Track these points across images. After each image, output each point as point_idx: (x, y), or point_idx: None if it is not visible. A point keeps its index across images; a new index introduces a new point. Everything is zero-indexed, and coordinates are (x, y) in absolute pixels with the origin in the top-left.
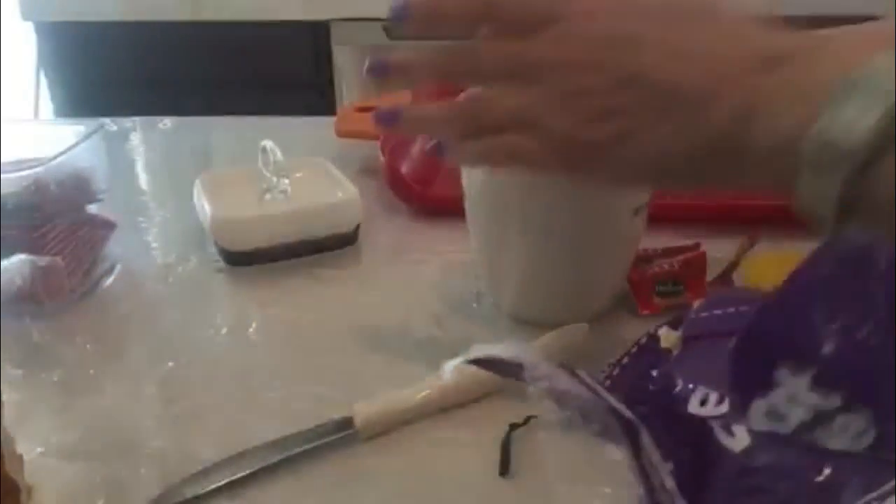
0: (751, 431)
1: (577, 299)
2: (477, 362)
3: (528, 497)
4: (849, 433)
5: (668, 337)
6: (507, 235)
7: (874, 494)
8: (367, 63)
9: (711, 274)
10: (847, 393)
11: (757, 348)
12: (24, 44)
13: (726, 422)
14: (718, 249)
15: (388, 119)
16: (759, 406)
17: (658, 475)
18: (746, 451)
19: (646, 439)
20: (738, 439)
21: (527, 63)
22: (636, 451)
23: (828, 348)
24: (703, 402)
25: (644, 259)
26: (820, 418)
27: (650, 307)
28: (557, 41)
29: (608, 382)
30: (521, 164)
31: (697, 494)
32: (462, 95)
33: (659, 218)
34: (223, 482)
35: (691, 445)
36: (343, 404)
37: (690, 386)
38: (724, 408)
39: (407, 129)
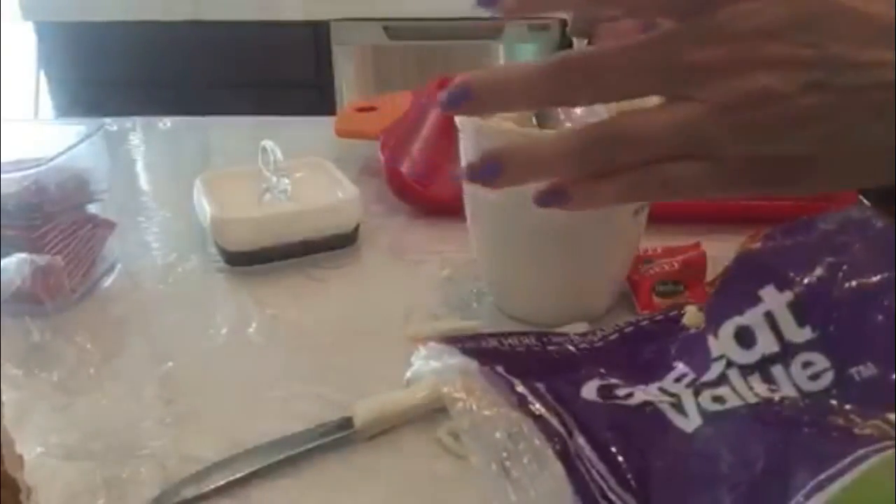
0: (703, 412)
1: (577, 299)
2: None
3: (529, 497)
4: (808, 372)
5: (693, 315)
6: (507, 235)
7: (822, 476)
8: (443, 96)
9: (711, 274)
10: (817, 329)
11: (751, 269)
12: (24, 44)
13: (678, 401)
14: (718, 249)
15: (489, 171)
16: (730, 325)
17: (596, 481)
18: (697, 431)
19: (580, 443)
20: (691, 420)
21: (675, 68)
22: (567, 462)
23: (814, 276)
24: (678, 379)
25: (644, 259)
26: (785, 353)
27: (650, 307)
28: (714, 34)
29: (599, 344)
30: (686, 193)
31: (644, 483)
32: (581, 116)
33: (659, 218)
34: (223, 482)
35: (639, 437)
36: (343, 404)
37: (675, 363)
38: (685, 383)
39: (514, 176)
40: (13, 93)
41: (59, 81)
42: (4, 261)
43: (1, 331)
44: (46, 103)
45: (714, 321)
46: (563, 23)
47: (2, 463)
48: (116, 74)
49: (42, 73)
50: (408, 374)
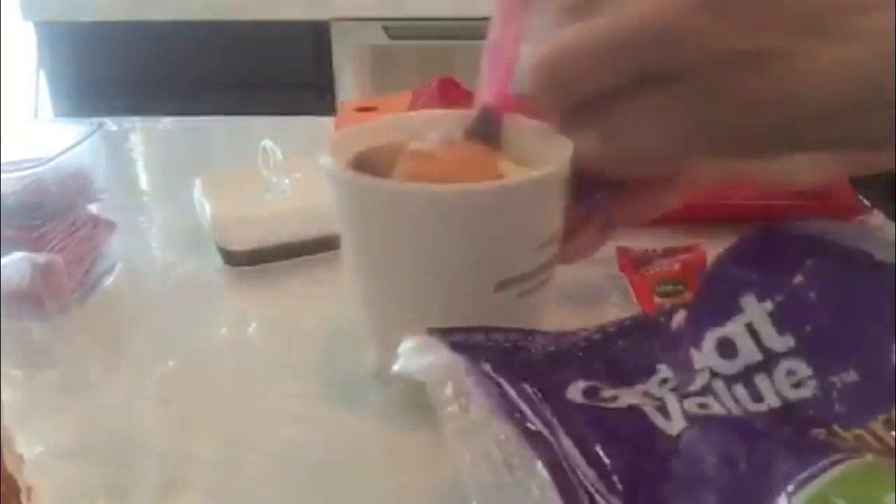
0: (686, 415)
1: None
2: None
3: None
4: (791, 380)
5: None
6: (393, 275)
7: (803, 475)
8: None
9: None
10: (798, 336)
11: (729, 276)
12: (24, 44)
13: (662, 404)
14: (718, 249)
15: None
16: (712, 336)
17: (586, 487)
18: (682, 434)
19: (567, 448)
20: (674, 423)
21: None
22: (556, 471)
23: (793, 283)
24: (662, 382)
25: (644, 259)
26: (767, 362)
27: (651, 307)
28: None
29: (583, 344)
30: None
31: (632, 487)
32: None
33: (659, 218)
34: None
35: (625, 440)
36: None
37: (658, 366)
38: (669, 386)
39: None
40: (13, 93)
41: (59, 81)
42: (4, 259)
43: (1, 331)
44: (46, 103)
45: (696, 332)
46: None
47: (2, 463)
48: (116, 74)
49: (42, 73)
50: (395, 368)
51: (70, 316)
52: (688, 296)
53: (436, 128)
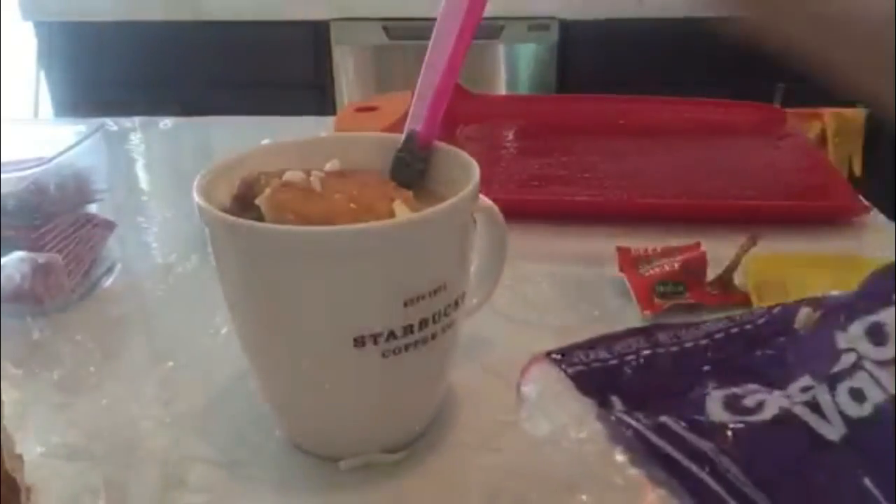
0: (845, 417)
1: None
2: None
3: None
4: None
5: (807, 317)
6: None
7: None
8: None
9: (711, 274)
10: None
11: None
12: (24, 44)
13: (814, 401)
14: (718, 249)
15: None
16: (860, 324)
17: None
18: (846, 441)
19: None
20: (834, 425)
21: None
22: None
23: None
24: (804, 390)
25: (644, 259)
26: None
27: (652, 307)
28: None
29: (704, 342)
30: None
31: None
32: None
33: (659, 218)
34: None
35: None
36: None
37: (798, 372)
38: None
39: None
40: (13, 93)
41: (59, 81)
42: (4, 259)
43: (1, 329)
44: (46, 103)
45: (841, 320)
46: (563, 22)
47: (2, 463)
48: (116, 74)
49: (42, 73)
50: (523, 413)
51: (70, 315)
52: (688, 296)
53: (348, 153)
